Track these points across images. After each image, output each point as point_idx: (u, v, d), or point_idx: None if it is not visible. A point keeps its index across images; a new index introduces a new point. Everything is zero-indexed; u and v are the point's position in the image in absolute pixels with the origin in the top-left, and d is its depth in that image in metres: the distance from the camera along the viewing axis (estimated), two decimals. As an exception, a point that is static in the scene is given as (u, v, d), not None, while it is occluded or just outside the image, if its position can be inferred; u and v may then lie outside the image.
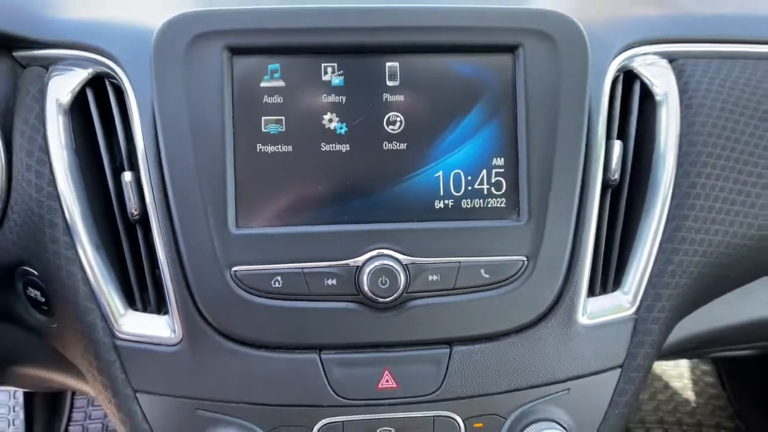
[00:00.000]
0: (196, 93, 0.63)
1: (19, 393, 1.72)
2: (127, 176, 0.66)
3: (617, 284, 0.72)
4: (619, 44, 0.73)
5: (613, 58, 0.72)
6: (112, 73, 0.69)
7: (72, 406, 1.78)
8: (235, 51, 0.64)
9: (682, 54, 0.76)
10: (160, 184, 0.65)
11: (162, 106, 0.63)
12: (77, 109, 0.70)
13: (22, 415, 1.69)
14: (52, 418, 1.75)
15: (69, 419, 1.76)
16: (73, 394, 1.79)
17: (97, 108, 0.69)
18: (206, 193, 0.63)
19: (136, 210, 0.66)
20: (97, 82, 0.71)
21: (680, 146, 0.72)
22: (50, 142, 0.67)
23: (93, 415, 1.77)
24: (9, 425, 1.71)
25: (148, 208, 0.66)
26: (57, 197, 0.67)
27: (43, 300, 0.71)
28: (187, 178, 0.63)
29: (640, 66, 0.74)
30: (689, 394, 1.81)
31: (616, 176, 0.71)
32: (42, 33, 0.71)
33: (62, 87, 0.69)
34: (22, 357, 0.82)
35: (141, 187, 0.66)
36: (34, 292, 0.71)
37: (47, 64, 0.71)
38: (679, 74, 0.75)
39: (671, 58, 0.76)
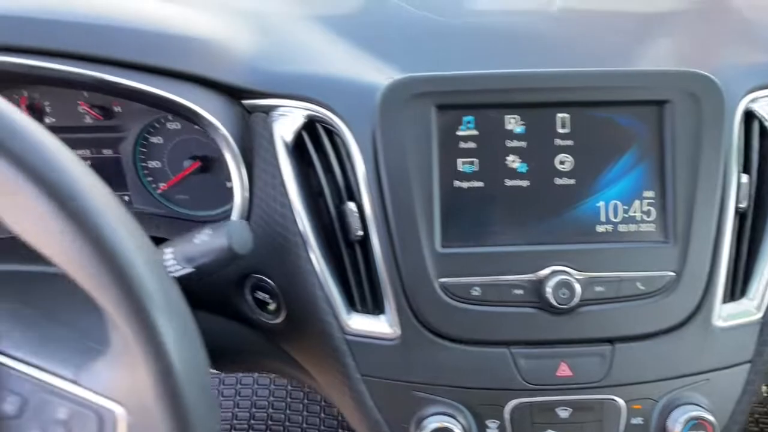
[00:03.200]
0: (411, 139, 0.77)
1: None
2: (351, 206, 0.80)
3: (743, 293, 0.83)
4: (743, 89, 0.83)
5: (739, 102, 0.82)
6: (324, 118, 0.82)
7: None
8: (440, 107, 0.78)
9: None
10: (381, 212, 0.79)
11: (386, 149, 0.77)
12: (295, 148, 0.84)
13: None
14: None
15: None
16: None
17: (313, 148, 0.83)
18: (419, 219, 0.77)
19: (359, 233, 0.81)
20: (309, 126, 0.84)
21: None
22: (284, 177, 0.82)
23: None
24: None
25: (369, 232, 0.80)
26: (294, 221, 0.81)
27: (270, 302, 0.87)
28: (404, 207, 0.77)
29: (759, 108, 0.83)
30: None
31: (744, 204, 0.82)
32: (265, 85, 0.84)
33: (286, 130, 0.83)
34: (246, 349, 0.97)
35: (362, 214, 0.81)
36: (262, 295, 0.87)
37: (267, 110, 0.84)
38: None
39: None
